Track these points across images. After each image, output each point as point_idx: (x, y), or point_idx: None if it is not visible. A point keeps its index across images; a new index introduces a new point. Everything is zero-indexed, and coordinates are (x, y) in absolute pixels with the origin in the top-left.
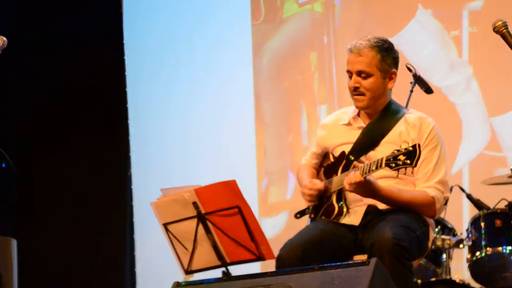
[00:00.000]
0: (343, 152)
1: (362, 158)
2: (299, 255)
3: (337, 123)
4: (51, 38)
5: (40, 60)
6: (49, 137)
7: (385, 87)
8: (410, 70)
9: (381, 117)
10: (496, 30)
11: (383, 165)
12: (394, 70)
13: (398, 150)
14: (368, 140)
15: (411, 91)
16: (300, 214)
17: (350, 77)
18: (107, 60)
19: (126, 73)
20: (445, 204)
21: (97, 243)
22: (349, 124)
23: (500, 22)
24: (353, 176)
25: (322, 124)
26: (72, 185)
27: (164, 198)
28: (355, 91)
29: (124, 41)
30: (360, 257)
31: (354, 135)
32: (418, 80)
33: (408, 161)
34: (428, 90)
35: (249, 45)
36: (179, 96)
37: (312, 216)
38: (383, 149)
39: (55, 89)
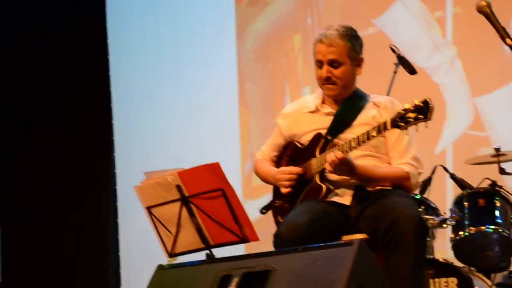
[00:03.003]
0: (318, 134)
1: (337, 140)
2: (302, 234)
3: (300, 111)
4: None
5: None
6: (29, 120)
7: (354, 74)
8: (393, 51)
9: (349, 101)
10: (479, 10)
11: (388, 127)
12: (361, 56)
13: (404, 109)
14: (342, 123)
15: (395, 72)
16: (265, 209)
17: (320, 66)
18: (89, 41)
19: (109, 56)
20: (428, 183)
21: (81, 226)
22: (316, 110)
23: (483, 2)
24: (334, 154)
25: (283, 114)
26: (55, 169)
27: (147, 182)
28: (327, 80)
29: (107, 25)
30: (351, 237)
31: (322, 120)
32: (402, 61)
33: (421, 116)
34: (411, 71)
35: (233, 27)
36: (162, 78)
37: (287, 205)
38: (357, 131)
39: (36, 77)
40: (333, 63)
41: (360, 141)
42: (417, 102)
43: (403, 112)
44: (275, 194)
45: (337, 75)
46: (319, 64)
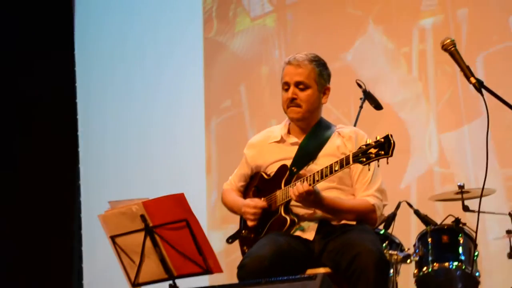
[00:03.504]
0: (283, 166)
1: (303, 172)
2: (266, 266)
3: (266, 142)
4: None
5: None
6: None
7: (320, 101)
8: (360, 86)
9: (314, 131)
10: (444, 48)
11: (350, 161)
12: (328, 85)
13: (366, 145)
14: (307, 154)
15: (361, 107)
16: (231, 238)
17: (286, 89)
18: (57, 66)
19: (76, 84)
20: (393, 219)
21: (45, 254)
22: (281, 140)
23: (448, 40)
24: (301, 186)
25: (249, 144)
26: (19, 195)
27: (111, 211)
28: (292, 102)
29: (75, 52)
30: (314, 271)
31: (288, 151)
32: (368, 96)
33: (382, 152)
34: (377, 106)
35: (201, 57)
36: (130, 107)
37: (252, 235)
38: (322, 162)
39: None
40: (299, 85)
41: (323, 175)
42: (378, 137)
43: (364, 147)
44: (241, 224)
45: (303, 98)
46: (286, 86)
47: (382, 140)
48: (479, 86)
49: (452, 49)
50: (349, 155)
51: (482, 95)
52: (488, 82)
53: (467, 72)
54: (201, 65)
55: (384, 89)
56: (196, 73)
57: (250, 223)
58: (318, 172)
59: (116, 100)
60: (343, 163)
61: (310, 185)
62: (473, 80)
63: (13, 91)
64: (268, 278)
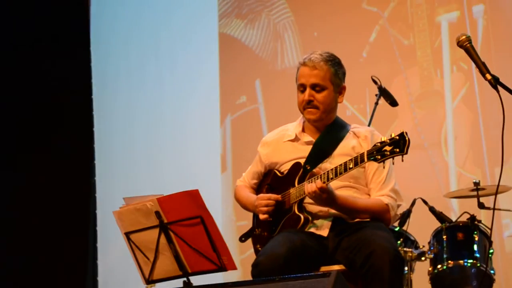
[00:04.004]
0: (297, 164)
1: (316, 170)
2: (281, 264)
3: (280, 140)
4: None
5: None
6: (10, 141)
7: (336, 101)
8: (375, 82)
9: (329, 131)
10: (460, 44)
11: (365, 159)
12: (344, 84)
13: (381, 142)
14: (321, 153)
15: (376, 103)
16: (244, 237)
17: (302, 91)
18: (73, 63)
19: (92, 80)
20: (408, 216)
21: (59, 251)
22: (296, 139)
23: (464, 37)
24: (315, 183)
25: (263, 142)
26: (35, 192)
27: (126, 207)
28: (309, 104)
29: (91, 48)
30: (328, 268)
31: (302, 149)
32: (383, 92)
33: (397, 149)
34: (393, 102)
35: (216, 53)
36: (145, 103)
37: (266, 234)
38: (336, 161)
39: (19, 93)
40: (316, 87)
41: (338, 172)
42: (393, 135)
43: (379, 145)
44: (254, 222)
45: (319, 99)
46: (302, 88)
47: (397, 137)
48: (495, 82)
49: (468, 45)
50: (363, 152)
51: (498, 91)
52: (504, 79)
53: (482, 69)
54: (216, 60)
55: (399, 85)
56: (212, 69)
57: (262, 216)
58: (332, 169)
59: (131, 97)
60: (358, 161)
61: (324, 183)
62: (488, 76)
63: (29, 89)
64: (282, 276)
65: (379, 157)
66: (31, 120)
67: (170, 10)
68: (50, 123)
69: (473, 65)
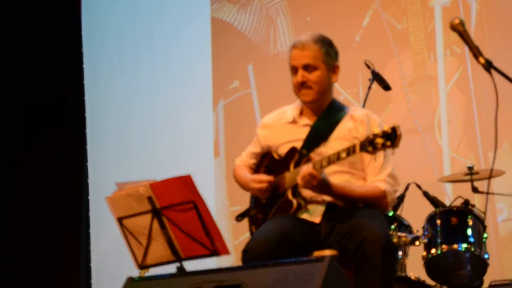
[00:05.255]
0: (293, 148)
1: (313, 154)
2: (272, 249)
3: (279, 122)
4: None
5: None
6: (4, 131)
7: (330, 80)
8: (368, 66)
9: (327, 113)
10: (453, 28)
11: (357, 150)
12: (337, 63)
13: (374, 134)
14: (318, 136)
15: (369, 87)
16: (240, 216)
17: (295, 73)
18: (65, 56)
19: (83, 67)
20: (401, 201)
21: (52, 237)
22: (293, 122)
23: (457, 20)
24: (307, 169)
25: (262, 123)
26: (27, 179)
27: (119, 193)
28: (302, 85)
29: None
30: (321, 253)
31: (300, 132)
32: (376, 77)
33: (389, 143)
34: (386, 87)
35: (209, 38)
36: (137, 91)
37: (260, 216)
38: (334, 145)
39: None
40: (308, 67)
41: (330, 161)
42: (386, 127)
43: (372, 137)
44: (251, 203)
45: (312, 79)
46: (294, 70)
47: (390, 131)
48: (488, 66)
49: (461, 29)
50: (355, 144)
51: (491, 75)
52: (497, 63)
53: (476, 52)
54: (208, 45)
55: (392, 69)
56: (204, 54)
57: (259, 195)
58: (325, 158)
59: (124, 82)
60: (350, 151)
61: (316, 170)
62: (482, 60)
63: (22, 89)
64: (276, 261)
65: (370, 149)
66: (23, 110)
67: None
68: (41, 109)
69: (467, 49)
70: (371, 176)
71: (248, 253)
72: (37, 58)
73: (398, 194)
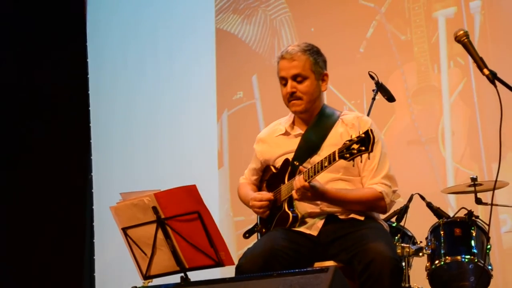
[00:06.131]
0: (286, 160)
1: (306, 164)
2: (261, 265)
3: (273, 135)
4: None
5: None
6: (8, 139)
7: (320, 89)
8: (372, 78)
9: (318, 121)
10: (457, 39)
11: (336, 158)
12: (325, 71)
13: (349, 140)
14: (309, 146)
15: (373, 98)
16: (248, 233)
17: (284, 84)
18: (69, 60)
19: (88, 75)
20: (405, 212)
21: (56, 247)
22: (286, 133)
23: (461, 32)
24: (297, 181)
25: (258, 138)
26: (32, 187)
27: (123, 202)
28: (292, 96)
29: (87, 42)
30: (322, 264)
31: (293, 143)
32: (380, 88)
33: (363, 148)
34: (390, 98)
35: (213, 49)
36: (141, 99)
37: (264, 230)
38: (326, 153)
39: (18, 90)
40: (297, 78)
41: (316, 171)
42: (361, 132)
43: (348, 143)
44: (258, 218)
45: (302, 89)
46: (284, 81)
47: (363, 135)
48: (493, 77)
49: (466, 40)
50: (335, 151)
51: (496, 86)
52: (501, 74)
53: (480, 64)
54: (213, 56)
55: (396, 80)
56: (208, 64)
57: (260, 215)
58: (311, 168)
59: (128, 92)
60: (331, 159)
61: (306, 181)
62: (486, 71)
63: (26, 84)
64: (280, 271)
65: (348, 155)
66: (26, 115)
67: (168, 6)
68: (46, 118)
69: (470, 60)
70: (367, 179)
71: (239, 269)
72: (39, 61)
73: (401, 205)
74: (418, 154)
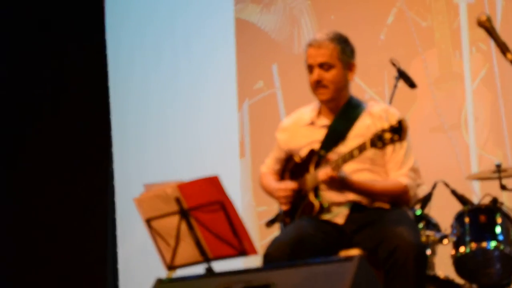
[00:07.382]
0: (312, 150)
1: (332, 154)
2: (288, 253)
3: (298, 124)
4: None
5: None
6: (29, 132)
7: (347, 78)
8: (394, 65)
9: (344, 112)
10: (480, 24)
11: (368, 147)
12: (353, 61)
13: (382, 130)
14: (336, 136)
15: (395, 85)
16: (271, 222)
17: (311, 71)
18: (88, 51)
19: (108, 69)
20: (429, 199)
21: (79, 240)
22: (312, 123)
23: (484, 16)
24: (325, 171)
25: (281, 127)
26: (53, 182)
27: (147, 194)
28: (318, 84)
29: (106, 32)
30: (348, 252)
31: (318, 133)
32: (402, 75)
33: (396, 137)
34: (412, 84)
35: (233, 38)
36: (160, 91)
37: (288, 220)
38: (352, 144)
39: (35, 81)
40: (324, 66)
41: (345, 160)
42: (393, 122)
43: (380, 132)
44: (280, 208)
45: (329, 78)
46: (310, 69)
47: (397, 125)
48: None
49: (488, 25)
50: (365, 141)
51: None
52: None
53: (503, 48)
54: (232, 46)
55: (418, 67)
56: (228, 54)
57: (283, 207)
58: (341, 157)
59: (147, 84)
60: (362, 148)
61: (336, 167)
62: (509, 56)
63: (46, 77)
64: (305, 260)
65: (380, 144)
66: (45, 108)
67: None
68: (66, 111)
69: (493, 45)
70: (393, 171)
71: (267, 258)
72: (59, 52)
73: (425, 192)
74: (441, 141)
